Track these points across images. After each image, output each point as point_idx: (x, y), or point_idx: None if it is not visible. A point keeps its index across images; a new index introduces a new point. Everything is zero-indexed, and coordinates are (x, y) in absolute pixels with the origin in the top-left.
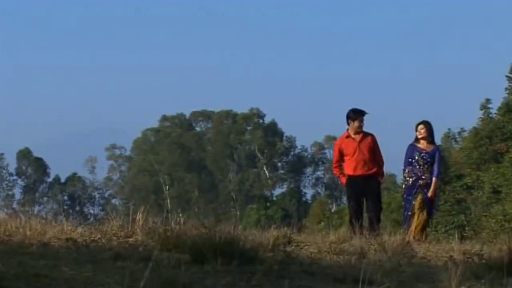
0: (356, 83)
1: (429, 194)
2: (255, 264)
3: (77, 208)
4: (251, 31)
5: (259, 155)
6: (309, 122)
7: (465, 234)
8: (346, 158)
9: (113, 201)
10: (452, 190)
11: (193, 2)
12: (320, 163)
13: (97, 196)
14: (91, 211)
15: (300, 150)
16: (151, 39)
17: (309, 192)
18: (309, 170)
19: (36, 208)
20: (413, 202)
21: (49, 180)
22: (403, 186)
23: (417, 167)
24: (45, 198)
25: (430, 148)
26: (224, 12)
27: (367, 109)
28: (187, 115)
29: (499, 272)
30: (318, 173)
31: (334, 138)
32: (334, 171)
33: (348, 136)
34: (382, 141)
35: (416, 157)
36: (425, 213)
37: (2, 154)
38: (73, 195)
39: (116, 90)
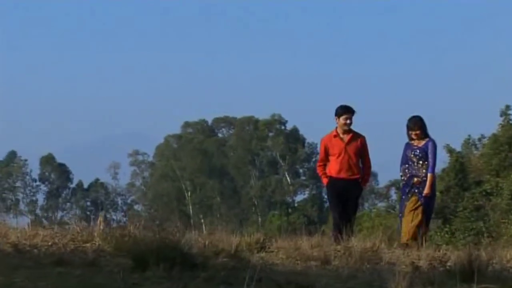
0: (378, 88)
1: (424, 191)
2: (198, 270)
3: (100, 214)
4: (275, 38)
5: (280, 161)
6: (330, 128)
7: (483, 241)
8: (331, 158)
9: (136, 207)
10: (471, 196)
11: (216, 9)
12: None
13: (119, 202)
14: (114, 217)
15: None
16: (175, 45)
17: None
18: None
19: (59, 214)
20: (406, 203)
21: (72, 186)
22: (401, 185)
23: (412, 165)
24: (68, 204)
25: (422, 143)
26: (247, 18)
27: (391, 117)
28: (209, 121)
29: (453, 279)
30: None
31: None
32: (317, 169)
33: (336, 136)
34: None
35: (410, 155)
36: (419, 214)
37: (26, 160)
38: (96, 201)
39: (138, 97)
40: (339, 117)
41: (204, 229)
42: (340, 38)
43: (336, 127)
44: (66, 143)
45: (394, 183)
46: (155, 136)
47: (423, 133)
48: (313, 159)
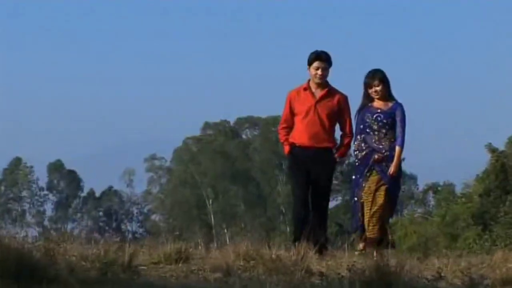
0: (410, 88)
1: (390, 170)
2: (43, 283)
3: (114, 224)
4: (296, 36)
5: None
6: None
7: None
8: (296, 118)
9: (153, 217)
10: None
11: (232, 11)
12: None
13: (135, 211)
14: (129, 228)
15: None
16: (193, 42)
17: None
18: None
19: (69, 225)
20: (364, 185)
21: (83, 194)
22: (356, 164)
23: (371, 134)
24: (78, 215)
25: (387, 105)
26: (263, 19)
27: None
28: (232, 122)
29: None
30: None
31: None
32: (279, 134)
33: (306, 89)
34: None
35: (369, 120)
36: (381, 199)
37: (32, 167)
38: (109, 210)
39: (154, 97)
40: (310, 66)
41: (227, 240)
42: (373, 40)
43: (309, 80)
44: (76, 149)
45: (431, 186)
46: (172, 138)
47: (387, 92)
48: (346, 162)
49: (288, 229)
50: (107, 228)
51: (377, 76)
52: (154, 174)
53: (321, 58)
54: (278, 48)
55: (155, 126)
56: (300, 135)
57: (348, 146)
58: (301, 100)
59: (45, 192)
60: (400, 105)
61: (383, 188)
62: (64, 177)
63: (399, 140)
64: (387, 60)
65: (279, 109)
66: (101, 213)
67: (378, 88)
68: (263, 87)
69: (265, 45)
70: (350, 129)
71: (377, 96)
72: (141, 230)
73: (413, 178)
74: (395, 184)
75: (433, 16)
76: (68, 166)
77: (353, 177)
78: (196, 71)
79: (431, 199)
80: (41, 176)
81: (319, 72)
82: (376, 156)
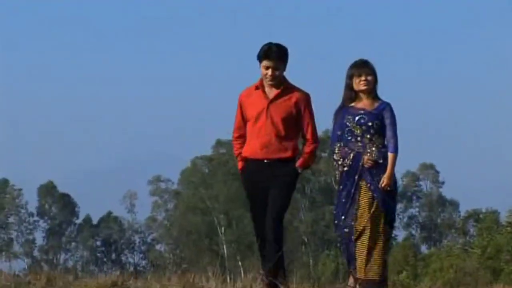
0: (456, 103)
1: (384, 181)
2: None
3: (113, 256)
4: (313, 49)
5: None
6: (399, 146)
7: None
8: (247, 125)
9: (158, 247)
10: None
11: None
12: (414, 198)
13: (137, 240)
14: (131, 260)
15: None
16: (205, 52)
17: (400, 234)
18: (399, 206)
19: (62, 256)
20: (356, 197)
21: (78, 221)
22: (337, 178)
23: (353, 140)
24: (73, 244)
25: (373, 105)
26: (280, 30)
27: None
28: None
29: None
30: (412, 210)
31: (431, 167)
32: (233, 146)
33: (258, 87)
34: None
35: (349, 124)
36: (381, 224)
37: (20, 189)
38: (108, 239)
39: (160, 110)
40: (260, 64)
41: (242, 273)
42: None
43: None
44: (70, 169)
45: (472, 214)
46: (180, 158)
47: (374, 88)
48: None
49: (311, 261)
50: (105, 259)
51: (368, 65)
52: (159, 198)
53: (271, 56)
54: (298, 63)
55: (161, 143)
56: (252, 146)
57: (312, 154)
58: (252, 102)
59: (35, 218)
60: (388, 104)
61: (380, 210)
62: (57, 201)
63: (391, 145)
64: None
65: None
66: (98, 243)
67: (369, 78)
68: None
69: (291, 60)
70: (313, 134)
71: (365, 87)
72: (144, 262)
73: (454, 204)
74: (391, 200)
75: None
76: (62, 188)
77: (342, 191)
78: (208, 84)
79: (472, 228)
80: (31, 200)
81: (269, 72)
82: (365, 157)
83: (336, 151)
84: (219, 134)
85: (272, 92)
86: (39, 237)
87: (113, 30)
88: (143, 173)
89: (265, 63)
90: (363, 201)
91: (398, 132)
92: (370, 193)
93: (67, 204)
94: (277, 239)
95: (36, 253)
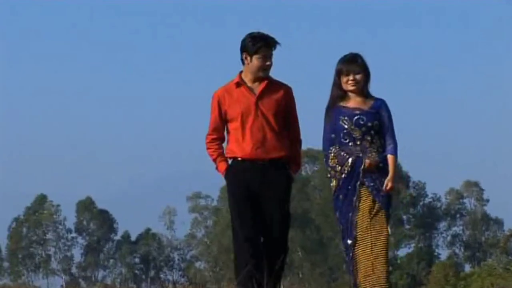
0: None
1: (388, 185)
2: None
3: (152, 273)
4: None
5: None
6: (442, 163)
7: None
8: (230, 125)
9: (197, 264)
10: None
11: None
12: (457, 216)
13: (176, 258)
14: (169, 277)
15: (431, 200)
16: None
17: (443, 253)
18: (443, 224)
19: (100, 273)
20: (357, 205)
21: (117, 238)
22: (332, 185)
23: (351, 144)
24: (111, 261)
25: (367, 104)
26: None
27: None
28: None
29: None
30: (455, 228)
31: (476, 184)
32: (208, 148)
33: (240, 84)
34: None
35: (347, 126)
36: (385, 231)
37: (58, 205)
38: (147, 256)
39: (198, 126)
40: (250, 56)
41: None
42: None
43: (241, 72)
44: (108, 185)
45: None
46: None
47: (366, 85)
48: (421, 203)
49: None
50: (143, 277)
51: (357, 61)
52: (199, 215)
53: (270, 44)
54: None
55: (200, 159)
56: (242, 146)
57: (300, 154)
58: (235, 100)
59: (73, 234)
60: (383, 101)
61: (382, 214)
62: (95, 218)
63: (391, 147)
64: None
65: None
66: (137, 259)
67: (357, 77)
68: (322, 117)
69: (324, 73)
70: (298, 131)
71: (353, 88)
72: (183, 279)
73: (498, 222)
74: (390, 205)
75: None
76: (100, 205)
77: (335, 201)
78: None
79: None
80: (69, 216)
81: (268, 63)
82: (367, 161)
83: (332, 157)
84: None
85: (257, 87)
86: (77, 254)
87: (159, 52)
88: (182, 189)
89: (263, 52)
90: (363, 206)
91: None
92: (371, 197)
93: (106, 220)
94: (281, 265)
95: (74, 270)
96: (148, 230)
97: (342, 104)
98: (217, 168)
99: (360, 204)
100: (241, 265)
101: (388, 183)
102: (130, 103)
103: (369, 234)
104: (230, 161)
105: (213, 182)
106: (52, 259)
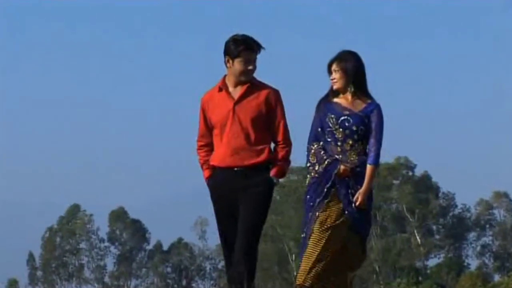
0: None
1: (359, 198)
2: None
3: (184, 282)
4: (395, 70)
5: (408, 216)
6: (472, 174)
7: None
8: (214, 132)
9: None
10: None
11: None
12: (487, 226)
13: (208, 267)
14: (201, 286)
15: (461, 210)
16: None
17: (473, 263)
18: (472, 235)
19: (133, 282)
20: (317, 213)
21: (149, 247)
22: (307, 181)
23: (331, 144)
24: (143, 270)
25: (359, 105)
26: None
27: None
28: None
29: None
30: (485, 239)
31: (506, 195)
32: (197, 155)
33: (220, 89)
34: None
35: (331, 125)
36: (338, 240)
37: (92, 215)
38: (179, 266)
39: None
40: (232, 59)
41: None
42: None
43: (225, 76)
44: (141, 195)
45: None
46: None
47: (359, 84)
48: (450, 213)
49: None
50: (175, 286)
51: (336, 60)
52: None
53: (253, 47)
54: (377, 83)
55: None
56: (220, 153)
57: (286, 160)
58: (216, 105)
59: (106, 244)
60: (378, 106)
61: (343, 224)
62: (128, 227)
63: (371, 155)
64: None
65: None
66: (169, 269)
67: (336, 76)
68: None
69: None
70: (285, 136)
71: (334, 87)
72: None
73: None
74: (364, 218)
75: None
76: (133, 214)
77: (306, 200)
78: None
79: None
80: (102, 226)
81: (251, 67)
82: (342, 167)
83: (312, 153)
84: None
85: (237, 92)
86: (110, 263)
87: (184, 60)
88: None
89: (245, 56)
90: (330, 210)
91: (383, 140)
92: (341, 206)
93: (138, 230)
94: (251, 269)
95: (106, 279)
96: (180, 239)
97: (335, 100)
98: (203, 172)
99: (328, 208)
100: (229, 277)
101: (359, 196)
102: (166, 114)
103: (324, 239)
104: (211, 169)
105: None
106: (85, 268)
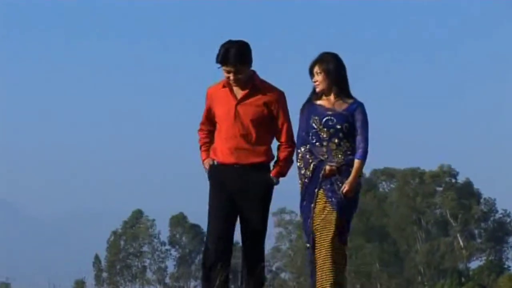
0: None
1: (345, 187)
2: None
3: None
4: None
5: (451, 220)
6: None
7: None
8: (217, 126)
9: (282, 275)
10: None
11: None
12: None
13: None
14: None
15: (501, 215)
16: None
17: None
18: None
19: (192, 283)
20: (314, 210)
21: None
22: (299, 187)
23: (317, 145)
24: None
25: (342, 105)
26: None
27: None
28: (367, 173)
29: None
30: None
31: None
32: (198, 135)
33: (225, 85)
34: None
35: (316, 126)
36: (331, 233)
37: (154, 220)
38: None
39: None
40: (221, 66)
41: None
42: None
43: None
44: (200, 201)
45: None
46: None
47: (341, 85)
48: (491, 218)
49: None
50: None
51: (317, 63)
52: (284, 229)
53: (229, 61)
54: (417, 95)
55: (286, 178)
56: (220, 149)
57: (288, 161)
58: (219, 100)
59: (167, 247)
60: (361, 104)
61: (332, 215)
62: (187, 232)
63: (359, 151)
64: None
65: (418, 161)
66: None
67: (319, 78)
68: (401, 137)
69: (406, 92)
70: (287, 136)
71: (317, 89)
72: None
73: None
74: (348, 211)
75: None
76: (192, 219)
77: (301, 205)
78: None
79: None
80: (163, 230)
81: (231, 77)
82: (327, 167)
83: (299, 157)
84: None
85: (240, 92)
86: (170, 265)
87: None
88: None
89: (224, 68)
90: (317, 209)
91: (369, 136)
92: (325, 199)
93: (197, 234)
94: (258, 261)
95: (167, 280)
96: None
97: (318, 102)
98: (202, 162)
99: (316, 208)
100: (206, 255)
101: (346, 185)
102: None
103: (318, 236)
104: (212, 162)
105: (297, 199)
106: (148, 270)
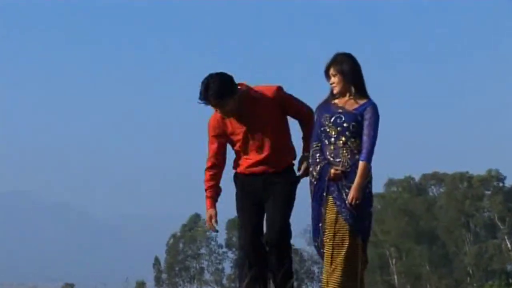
0: None
1: (351, 194)
2: None
3: (295, 284)
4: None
5: (499, 223)
6: None
7: None
8: (235, 151)
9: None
10: None
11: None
12: None
13: (316, 271)
14: None
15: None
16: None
17: None
18: None
19: None
20: (324, 215)
21: None
22: (312, 184)
23: (326, 142)
24: None
25: (354, 104)
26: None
27: None
28: (417, 178)
29: None
30: None
31: None
32: (204, 176)
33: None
34: None
35: (326, 123)
36: (345, 241)
37: None
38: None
39: None
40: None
41: None
42: None
43: None
44: None
45: None
46: None
47: (358, 85)
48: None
49: None
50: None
51: (332, 64)
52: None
53: (210, 100)
54: (466, 100)
55: None
56: (245, 164)
57: (309, 132)
58: (228, 130)
59: (224, 249)
60: (373, 104)
61: (344, 228)
62: None
63: (364, 152)
64: None
65: (466, 165)
66: None
67: (335, 80)
68: (450, 142)
69: (458, 99)
70: (307, 112)
71: (335, 91)
72: None
73: None
74: (361, 216)
75: None
76: None
77: (312, 202)
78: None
79: None
80: (220, 233)
81: (219, 112)
82: (332, 171)
83: (311, 153)
84: (391, 173)
85: (242, 114)
86: (227, 267)
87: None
88: None
89: (208, 105)
90: (327, 217)
91: (377, 138)
92: (336, 209)
93: None
94: (284, 249)
95: (224, 281)
96: (291, 245)
97: (334, 101)
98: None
99: (326, 215)
100: (242, 247)
101: (351, 192)
102: None
103: (330, 247)
104: (236, 175)
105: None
106: (205, 271)
